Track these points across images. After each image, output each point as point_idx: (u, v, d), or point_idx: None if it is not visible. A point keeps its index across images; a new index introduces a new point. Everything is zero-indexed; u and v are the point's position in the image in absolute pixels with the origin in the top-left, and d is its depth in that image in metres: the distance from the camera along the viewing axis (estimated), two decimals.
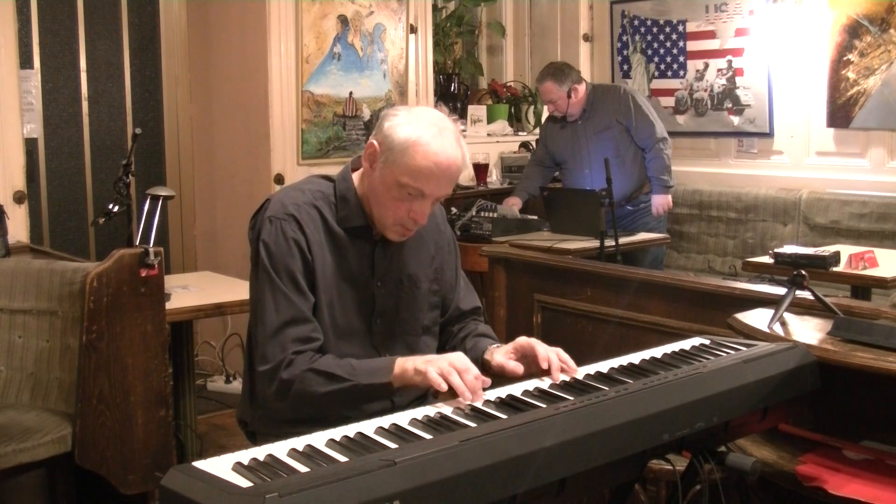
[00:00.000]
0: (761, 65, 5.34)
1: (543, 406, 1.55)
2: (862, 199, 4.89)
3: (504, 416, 1.52)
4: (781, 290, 2.24)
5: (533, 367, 1.90)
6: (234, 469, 1.30)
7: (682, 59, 5.73)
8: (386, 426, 1.51)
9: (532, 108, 6.29)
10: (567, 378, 1.79)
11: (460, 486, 1.24)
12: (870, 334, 1.92)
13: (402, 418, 1.55)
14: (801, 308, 2.21)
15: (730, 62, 5.48)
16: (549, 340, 1.95)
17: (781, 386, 1.72)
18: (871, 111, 4.87)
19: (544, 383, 1.75)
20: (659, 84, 5.88)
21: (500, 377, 2.03)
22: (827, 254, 3.61)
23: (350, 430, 1.48)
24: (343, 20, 4.87)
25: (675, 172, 4.87)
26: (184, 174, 5.09)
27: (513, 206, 4.75)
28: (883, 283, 3.52)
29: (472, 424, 1.49)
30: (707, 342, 1.93)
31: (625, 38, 6.03)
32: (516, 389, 1.70)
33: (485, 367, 2.05)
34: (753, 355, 1.74)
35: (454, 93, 5.96)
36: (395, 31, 5.11)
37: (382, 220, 2.00)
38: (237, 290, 3.40)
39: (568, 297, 3.25)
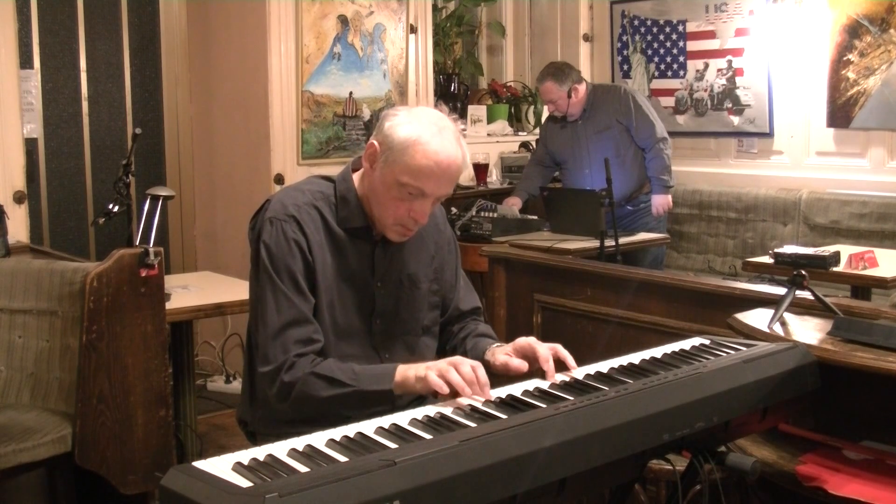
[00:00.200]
0: (761, 65, 5.34)
1: (543, 406, 1.54)
2: (862, 199, 4.89)
3: (504, 416, 1.52)
4: (781, 290, 2.24)
5: (534, 366, 1.90)
6: (234, 469, 1.30)
7: (682, 59, 5.73)
8: (386, 426, 1.51)
9: (532, 108, 6.29)
10: (567, 378, 1.79)
11: (460, 486, 1.24)
12: (870, 334, 1.92)
13: (402, 418, 1.55)
14: (801, 308, 2.21)
15: (730, 62, 5.48)
16: (549, 340, 1.95)
17: (781, 386, 1.72)
18: (871, 111, 4.87)
19: (544, 383, 1.75)
20: (659, 84, 5.88)
21: (499, 376, 2.03)
22: (827, 254, 3.61)
23: (350, 430, 1.48)
24: (343, 20, 4.87)
25: (675, 172, 4.87)
26: (184, 174, 5.09)
27: (513, 206, 4.75)
28: (883, 283, 3.52)
29: (472, 424, 1.49)
30: (707, 342, 1.93)
31: (625, 38, 6.03)
32: (516, 389, 1.69)
33: (485, 366, 2.05)
34: (753, 355, 1.74)
35: (454, 93, 5.97)
36: (395, 31, 5.11)
37: (383, 220, 2.00)
38: (237, 290, 3.40)
39: (568, 297, 3.25)
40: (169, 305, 3.03)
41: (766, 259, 3.80)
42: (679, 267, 5.52)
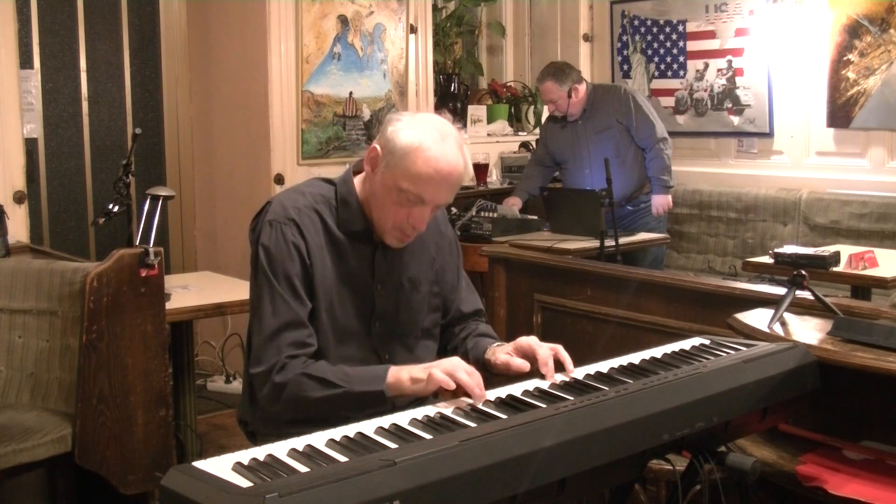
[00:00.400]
0: (761, 65, 5.34)
1: (543, 406, 1.55)
2: (862, 199, 4.89)
3: (504, 416, 1.52)
4: (781, 290, 2.24)
5: (535, 367, 1.90)
6: (234, 469, 1.30)
7: (682, 59, 5.73)
8: (386, 426, 1.51)
9: (532, 108, 6.29)
10: (567, 378, 1.79)
11: (460, 486, 1.24)
12: (870, 334, 1.92)
13: (402, 418, 1.55)
14: (801, 308, 2.21)
15: (730, 62, 5.48)
16: (549, 340, 1.95)
17: (781, 386, 1.72)
18: (871, 111, 4.87)
19: (544, 383, 1.75)
20: (659, 84, 5.88)
21: (499, 375, 2.03)
22: (827, 254, 3.61)
23: (350, 430, 1.48)
24: (343, 20, 4.87)
25: (675, 172, 4.87)
26: (184, 174, 5.09)
27: (513, 206, 4.75)
28: (883, 283, 3.52)
29: (472, 424, 1.49)
30: (707, 342, 1.93)
31: (625, 38, 6.03)
32: (516, 389, 1.69)
33: (486, 366, 2.05)
34: (753, 355, 1.74)
35: (454, 93, 5.96)
36: (395, 31, 5.11)
37: (382, 225, 2.00)
38: (237, 290, 3.40)
39: (568, 297, 3.25)
40: (169, 305, 3.03)
41: (766, 259, 3.80)
42: (679, 267, 5.52)
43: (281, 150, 4.74)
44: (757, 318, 2.16)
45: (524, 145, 5.99)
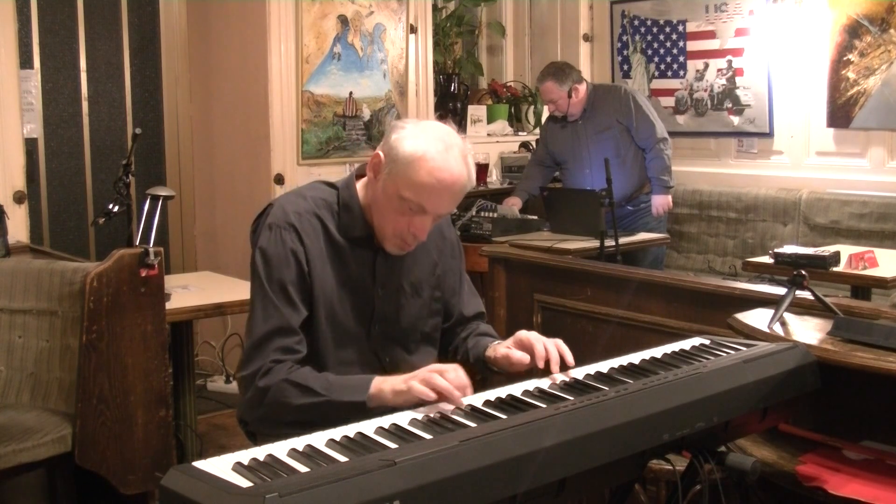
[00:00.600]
0: (761, 65, 5.34)
1: (543, 406, 1.54)
2: (862, 199, 4.89)
3: (504, 416, 1.52)
4: (781, 290, 2.24)
5: (534, 361, 1.89)
6: (234, 469, 1.30)
7: (682, 59, 5.74)
8: (386, 426, 1.51)
9: (532, 108, 6.29)
10: (567, 379, 1.78)
11: (460, 486, 1.24)
12: (870, 334, 1.92)
13: (402, 418, 1.55)
14: (801, 308, 2.21)
15: (730, 62, 5.48)
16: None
17: (781, 386, 1.72)
18: (871, 111, 4.87)
19: (544, 383, 1.74)
20: (659, 84, 5.88)
21: (500, 374, 2.03)
22: (827, 254, 3.61)
23: (350, 430, 1.48)
24: (343, 20, 4.87)
25: (675, 172, 4.87)
26: (184, 174, 5.09)
27: (513, 206, 4.75)
28: (883, 283, 3.52)
29: (472, 424, 1.49)
30: (707, 342, 1.92)
31: (625, 38, 6.03)
32: (516, 389, 1.69)
33: (486, 363, 2.05)
34: (753, 355, 1.74)
35: (454, 93, 5.96)
36: (395, 31, 5.11)
37: (382, 232, 1.99)
38: (237, 290, 3.41)
39: (568, 297, 3.25)
40: (169, 305, 3.03)
41: (766, 259, 3.80)
42: (679, 267, 5.52)
43: (281, 150, 4.74)
44: (757, 318, 2.16)
45: (524, 145, 5.99)
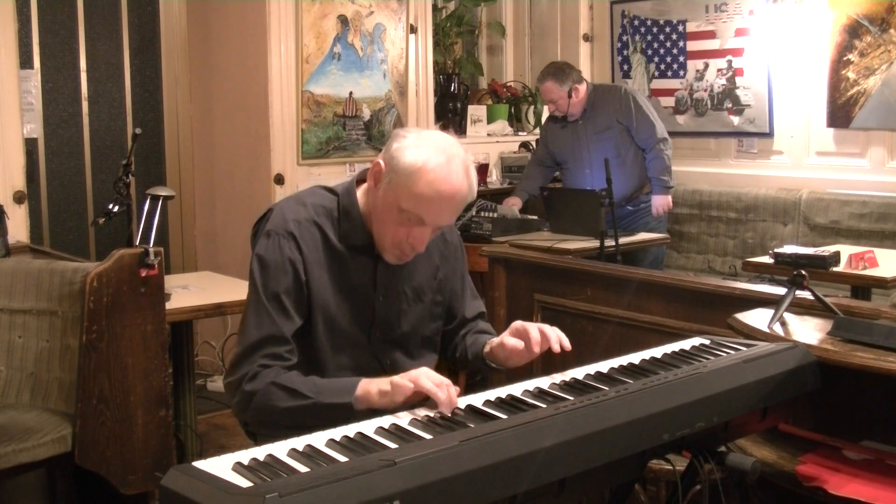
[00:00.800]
0: (761, 65, 5.34)
1: (543, 406, 1.54)
2: (862, 199, 4.89)
3: (504, 416, 1.52)
4: (781, 290, 2.24)
5: (530, 346, 1.89)
6: (234, 469, 1.31)
7: (682, 59, 5.73)
8: (386, 426, 1.51)
9: (532, 108, 6.29)
10: (567, 378, 1.78)
11: (460, 486, 1.24)
12: (870, 334, 1.92)
13: (402, 418, 1.55)
14: (801, 308, 2.21)
15: (730, 62, 5.48)
16: None
17: (781, 386, 1.72)
18: (871, 111, 4.87)
19: (544, 383, 1.74)
20: (659, 84, 5.88)
21: (498, 369, 2.04)
22: (827, 254, 3.61)
23: (350, 430, 1.48)
24: (343, 20, 4.87)
25: (675, 172, 4.87)
26: (184, 174, 5.09)
27: (513, 206, 4.75)
28: (883, 283, 3.52)
29: (472, 424, 1.49)
30: (707, 342, 1.93)
31: (625, 38, 6.03)
32: (516, 389, 1.69)
33: (485, 359, 2.05)
34: (753, 355, 1.74)
35: (454, 93, 5.96)
36: (395, 31, 5.11)
37: (381, 241, 1.97)
38: (237, 290, 3.40)
39: (568, 297, 3.25)
40: (169, 305, 3.03)
41: (766, 259, 3.80)
42: (679, 267, 5.52)
43: (281, 150, 4.74)
44: (757, 318, 2.16)
45: (524, 145, 5.99)
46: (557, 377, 1.79)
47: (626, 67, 6.05)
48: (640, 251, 4.55)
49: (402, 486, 1.18)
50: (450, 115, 5.88)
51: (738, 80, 5.46)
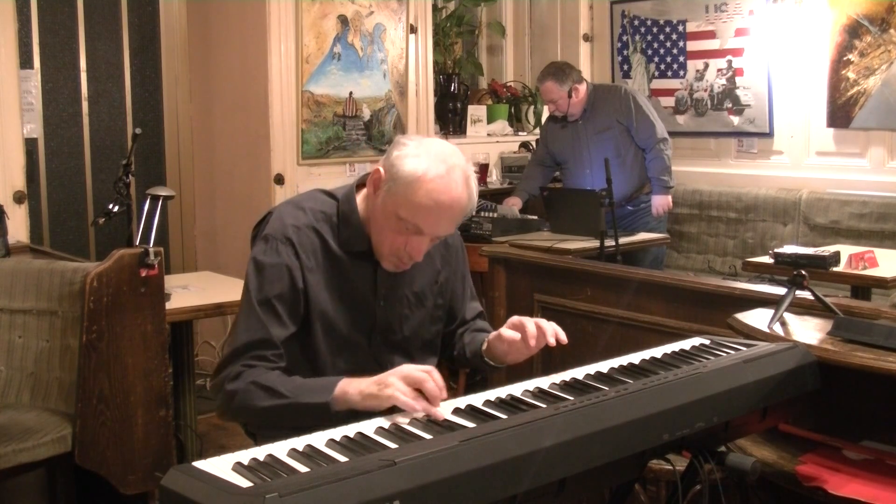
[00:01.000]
0: (761, 65, 5.34)
1: (543, 406, 1.54)
2: (862, 199, 4.89)
3: (504, 416, 1.52)
4: (781, 290, 2.24)
5: (526, 339, 1.89)
6: (234, 469, 1.30)
7: (682, 59, 5.74)
8: (386, 426, 1.51)
9: (532, 108, 6.29)
10: (567, 378, 1.78)
11: (460, 486, 1.24)
12: (870, 334, 1.92)
13: (402, 418, 1.55)
14: (801, 308, 2.21)
15: (730, 62, 5.48)
16: None
17: (781, 386, 1.72)
18: (871, 111, 4.87)
19: (544, 383, 1.74)
20: (659, 84, 5.88)
21: (496, 367, 2.04)
22: (827, 254, 3.61)
23: (350, 430, 1.48)
24: (343, 20, 4.87)
25: (675, 172, 4.87)
26: (184, 174, 5.09)
27: (513, 206, 4.75)
28: (883, 283, 3.52)
29: (472, 424, 1.49)
30: (707, 342, 1.92)
31: (625, 38, 6.03)
32: (516, 389, 1.69)
33: (483, 357, 2.05)
34: (753, 355, 1.74)
35: (454, 93, 5.96)
36: (395, 31, 5.11)
37: (379, 248, 1.96)
38: (237, 290, 3.35)
39: (568, 297, 3.25)
40: (169, 305, 3.03)
41: (766, 259, 3.80)
42: (679, 267, 5.52)
43: (281, 150, 4.74)
44: (757, 318, 2.16)
45: (524, 145, 5.99)
46: (557, 377, 1.79)
47: (626, 67, 6.05)
48: (640, 251, 4.55)
49: (402, 486, 1.18)
50: (450, 115, 5.88)
51: (738, 80, 5.46)
